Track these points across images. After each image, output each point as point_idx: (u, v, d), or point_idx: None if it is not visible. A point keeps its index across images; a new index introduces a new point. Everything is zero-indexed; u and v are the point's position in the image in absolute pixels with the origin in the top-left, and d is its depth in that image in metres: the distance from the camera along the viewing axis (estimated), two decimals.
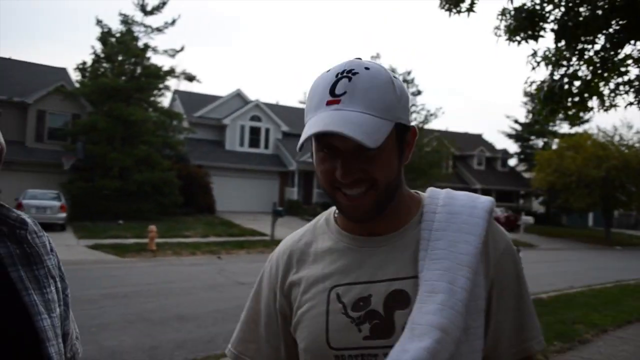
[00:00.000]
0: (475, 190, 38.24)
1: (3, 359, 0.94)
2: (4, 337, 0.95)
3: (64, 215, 19.22)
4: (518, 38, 5.84)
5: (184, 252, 15.76)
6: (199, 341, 6.56)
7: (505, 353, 1.08)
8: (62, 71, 29.26)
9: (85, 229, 19.35)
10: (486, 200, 1.15)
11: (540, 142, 44.63)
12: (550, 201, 38.07)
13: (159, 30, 25.93)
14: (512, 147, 57.70)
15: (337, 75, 1.03)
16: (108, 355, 5.93)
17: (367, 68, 1.04)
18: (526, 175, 42.30)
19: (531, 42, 5.86)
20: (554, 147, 38.45)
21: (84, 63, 25.64)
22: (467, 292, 1.01)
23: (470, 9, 5.78)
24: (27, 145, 24.82)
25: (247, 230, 21.64)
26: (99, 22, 25.14)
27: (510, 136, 46.17)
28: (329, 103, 1.01)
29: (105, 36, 25.02)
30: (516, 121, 45.10)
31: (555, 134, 41.54)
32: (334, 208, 1.21)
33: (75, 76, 27.19)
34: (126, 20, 25.49)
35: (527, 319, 1.10)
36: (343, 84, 1.01)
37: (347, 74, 1.02)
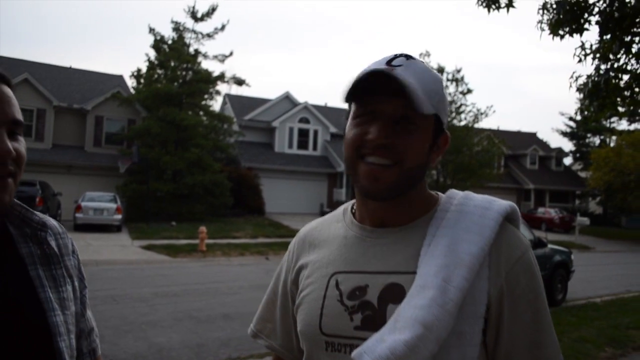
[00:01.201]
0: (528, 191, 37.63)
1: (18, 350, 1.02)
2: (20, 329, 1.03)
3: (119, 217, 19.93)
4: (561, 32, 5.66)
5: (233, 253, 16.06)
6: (243, 339, 6.69)
7: None
8: (119, 78, 30.39)
9: (140, 230, 20.00)
10: (504, 203, 1.10)
11: (597, 140, 43.02)
12: (608, 201, 36.60)
13: (209, 36, 26.56)
14: (568, 145, 55.96)
15: (395, 55, 1.09)
16: (156, 351, 6.14)
17: (422, 61, 1.10)
18: (582, 174, 40.85)
19: (576, 36, 5.68)
20: (612, 144, 36.96)
21: (139, 70, 26.59)
22: (462, 292, 0.97)
23: (509, 4, 5.66)
24: (86, 150, 25.89)
25: (295, 231, 21.73)
26: (151, 30, 25.99)
27: (565, 134, 44.69)
28: (390, 63, 1.06)
29: (158, 44, 25.84)
30: (571, 118, 43.65)
31: (613, 131, 39.92)
32: (353, 201, 1.23)
33: (130, 83, 28.23)
34: (178, 28, 26.26)
35: (544, 336, 1.03)
36: (401, 59, 1.07)
37: (404, 56, 1.08)
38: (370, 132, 1.03)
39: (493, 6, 5.61)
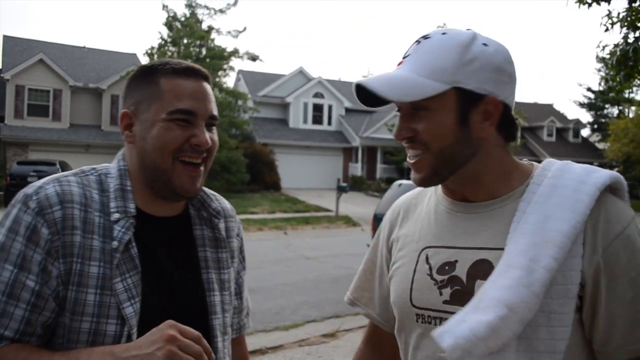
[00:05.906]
0: None
1: (178, 322, 1.11)
2: (182, 305, 1.16)
3: None
4: (589, 0, 5.55)
5: (252, 228, 16.21)
6: (267, 313, 6.80)
7: (617, 350, 0.97)
8: (133, 57, 30.35)
9: None
10: (603, 175, 1.03)
11: (615, 111, 42.33)
12: (626, 173, 36.17)
13: (221, 11, 26.51)
14: (585, 116, 55.26)
15: (418, 40, 1.08)
16: None
17: (444, 34, 1.05)
18: (600, 146, 40.32)
19: (603, 4, 5.57)
20: (631, 115, 36.37)
21: (152, 48, 26.52)
22: (550, 273, 0.94)
23: None
24: (103, 129, 26.08)
25: (312, 206, 21.94)
26: (164, 7, 25.90)
27: (582, 105, 44.00)
28: (398, 64, 1.08)
29: (170, 21, 25.76)
30: (589, 89, 42.91)
31: (632, 102, 39.24)
32: None
33: (144, 61, 28.18)
34: (190, 4, 26.11)
35: None
36: (412, 47, 1.08)
37: (421, 38, 1.08)
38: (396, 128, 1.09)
39: None
